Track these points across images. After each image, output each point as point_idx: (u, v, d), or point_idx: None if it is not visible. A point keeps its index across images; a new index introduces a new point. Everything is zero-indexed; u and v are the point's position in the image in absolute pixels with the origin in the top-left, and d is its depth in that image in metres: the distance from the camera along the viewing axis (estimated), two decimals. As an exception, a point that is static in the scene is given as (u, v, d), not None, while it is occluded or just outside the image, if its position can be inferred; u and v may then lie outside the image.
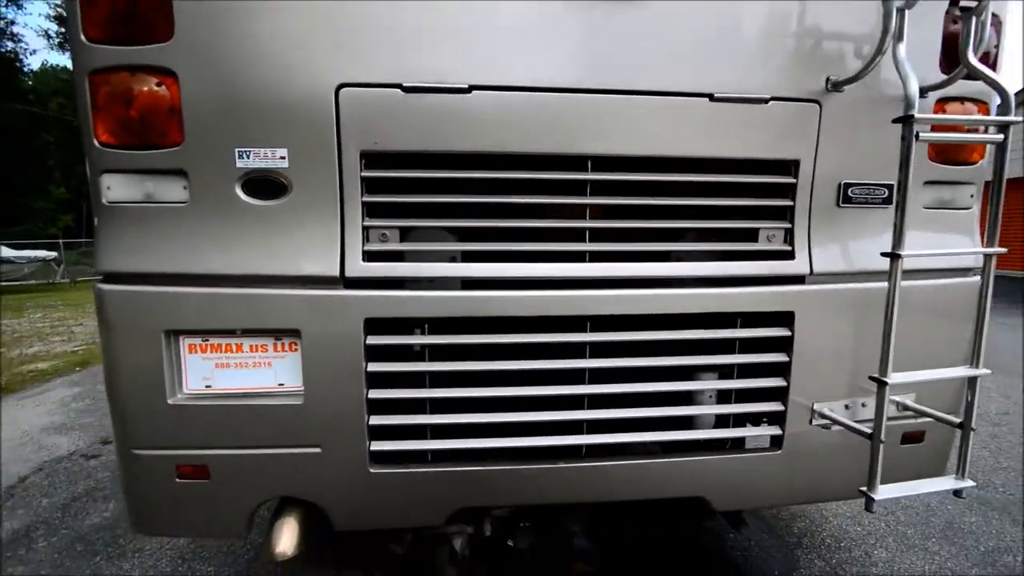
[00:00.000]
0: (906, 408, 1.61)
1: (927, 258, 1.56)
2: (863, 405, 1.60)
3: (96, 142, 1.31)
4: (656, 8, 1.36)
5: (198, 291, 1.36)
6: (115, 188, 1.34)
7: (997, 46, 1.58)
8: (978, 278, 1.70)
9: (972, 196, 1.64)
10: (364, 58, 1.30)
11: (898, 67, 1.27)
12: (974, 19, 1.33)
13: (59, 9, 28.84)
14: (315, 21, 1.29)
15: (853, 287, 1.53)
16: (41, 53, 42.98)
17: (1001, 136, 1.33)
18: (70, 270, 18.10)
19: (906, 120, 1.23)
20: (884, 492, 1.39)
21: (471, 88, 1.33)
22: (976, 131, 1.59)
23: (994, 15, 1.55)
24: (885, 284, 1.39)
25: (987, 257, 1.38)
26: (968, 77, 1.39)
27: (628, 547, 2.28)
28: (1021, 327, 7.43)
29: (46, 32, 31.07)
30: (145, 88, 1.30)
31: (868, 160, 1.50)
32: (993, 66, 1.59)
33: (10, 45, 26.41)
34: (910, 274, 1.62)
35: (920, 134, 1.24)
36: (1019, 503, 2.70)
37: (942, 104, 1.55)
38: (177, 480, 1.43)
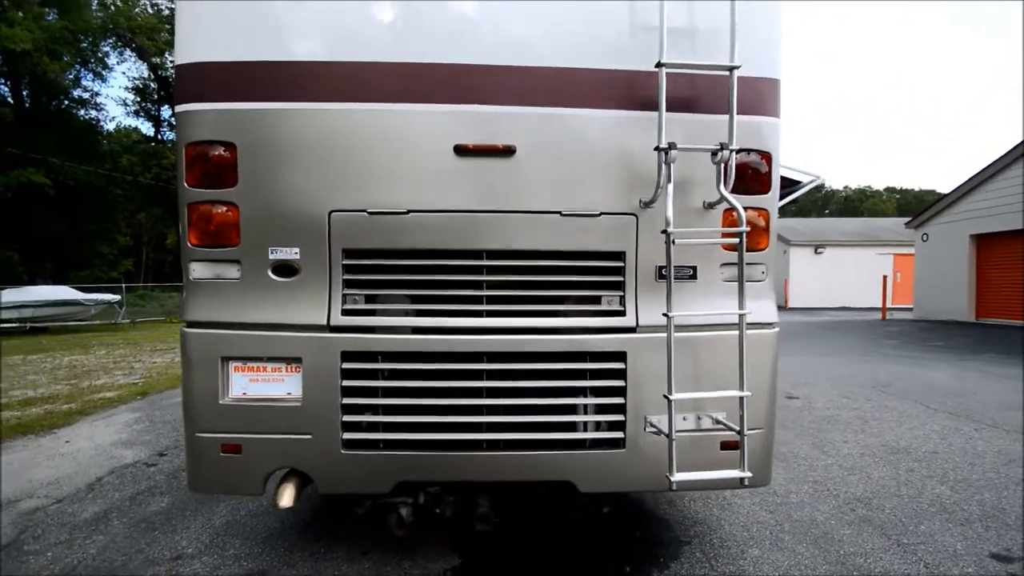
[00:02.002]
0: (718, 422, 2.29)
1: (730, 315, 2.27)
2: (684, 419, 2.28)
3: (189, 244, 2.22)
4: (523, 164, 2.20)
5: (242, 333, 2.21)
6: (198, 270, 2.23)
7: (769, 171, 2.34)
8: (777, 330, 2.41)
9: (763, 272, 2.36)
10: (345, 196, 2.18)
11: (666, 199, 2.05)
12: (722, 164, 2.12)
13: (137, 82, 32.76)
14: (317, 177, 2.18)
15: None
16: (118, 119, 48.22)
17: (737, 240, 2.08)
18: (130, 311, 19.93)
19: (665, 232, 2.00)
20: (679, 476, 2.07)
21: (408, 211, 2.19)
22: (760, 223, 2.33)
23: (763, 152, 2.32)
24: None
25: (740, 316, 2.10)
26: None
27: (534, 522, 2.92)
28: (1021, 377, 7.60)
29: (124, 101, 35.31)
30: (218, 213, 2.20)
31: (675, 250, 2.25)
32: (768, 184, 2.34)
33: (93, 113, 30.28)
34: (727, 327, 2.33)
35: (676, 240, 2.01)
36: (898, 524, 3.19)
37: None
38: (221, 454, 2.24)
